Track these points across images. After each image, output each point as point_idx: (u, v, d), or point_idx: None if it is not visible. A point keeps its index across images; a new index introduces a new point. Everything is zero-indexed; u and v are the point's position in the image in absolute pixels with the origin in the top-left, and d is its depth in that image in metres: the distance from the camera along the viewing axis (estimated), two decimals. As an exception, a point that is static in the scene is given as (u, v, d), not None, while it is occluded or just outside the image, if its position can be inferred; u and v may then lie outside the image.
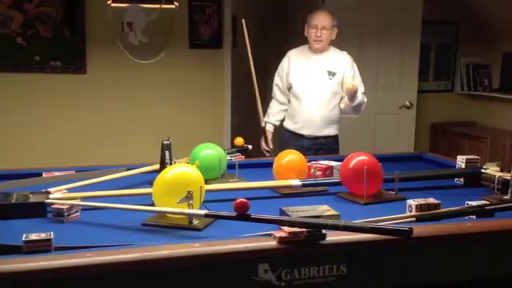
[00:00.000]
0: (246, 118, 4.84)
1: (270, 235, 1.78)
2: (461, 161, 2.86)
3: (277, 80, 3.78)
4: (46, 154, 4.28)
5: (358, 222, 1.88)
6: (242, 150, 3.22)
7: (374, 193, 2.45)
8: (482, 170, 2.71)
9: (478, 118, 5.53)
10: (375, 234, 1.79)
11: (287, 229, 1.76)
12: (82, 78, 4.42)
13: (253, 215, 1.83)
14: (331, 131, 3.69)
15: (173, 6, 4.34)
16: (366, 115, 4.84)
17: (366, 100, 3.58)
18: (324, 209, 2.12)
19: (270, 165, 2.74)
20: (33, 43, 4.29)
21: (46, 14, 4.29)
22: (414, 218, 2.05)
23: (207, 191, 2.19)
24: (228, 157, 2.89)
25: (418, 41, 4.94)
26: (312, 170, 2.71)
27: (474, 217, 2.11)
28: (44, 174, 2.67)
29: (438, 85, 5.53)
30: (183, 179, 2.09)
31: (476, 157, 2.88)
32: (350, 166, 2.48)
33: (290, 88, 3.71)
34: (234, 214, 1.84)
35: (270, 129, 3.77)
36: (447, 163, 3.08)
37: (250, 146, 3.41)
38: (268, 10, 5.76)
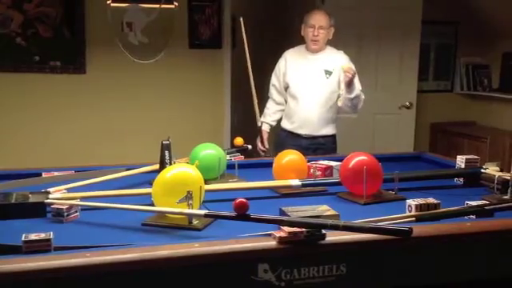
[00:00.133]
0: (245, 118, 4.83)
1: (269, 235, 1.78)
2: (460, 161, 2.86)
3: (274, 80, 3.78)
4: (45, 153, 4.28)
5: (357, 221, 1.87)
6: (242, 150, 3.22)
7: (373, 193, 2.45)
8: (482, 170, 2.71)
9: (477, 118, 5.53)
10: (375, 234, 1.79)
11: (287, 229, 1.76)
12: (82, 78, 4.42)
13: (252, 215, 1.82)
14: (329, 131, 3.69)
15: (172, 6, 4.34)
16: (366, 115, 4.86)
17: (363, 97, 3.58)
18: (324, 209, 2.12)
19: (269, 165, 2.74)
20: (32, 43, 4.29)
21: (46, 13, 4.29)
22: (413, 218, 2.05)
23: (207, 191, 2.19)
24: (228, 157, 2.89)
25: (418, 41, 4.95)
26: (312, 170, 2.71)
27: (474, 217, 2.11)
28: (43, 174, 2.67)
29: (437, 85, 5.53)
30: (183, 179, 2.09)
31: (476, 157, 2.88)
32: (350, 165, 2.48)
33: (286, 88, 3.71)
34: (233, 214, 1.84)
35: (266, 129, 3.78)
36: (447, 163, 3.08)
37: (250, 146, 3.41)
38: (267, 10, 5.76)
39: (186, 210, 1.98)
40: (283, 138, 3.72)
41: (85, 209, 2.17)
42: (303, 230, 1.76)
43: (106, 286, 1.63)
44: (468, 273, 1.95)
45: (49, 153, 4.31)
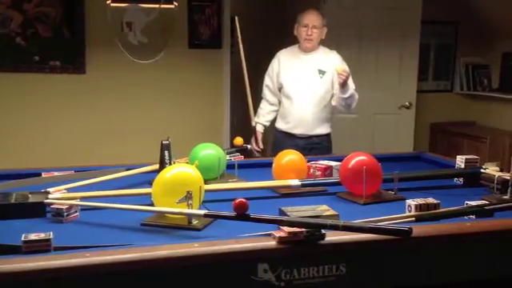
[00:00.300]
0: (245, 118, 4.83)
1: (269, 235, 1.78)
2: (460, 161, 2.86)
3: (267, 81, 3.80)
4: (45, 153, 4.28)
5: (357, 221, 1.87)
6: (242, 150, 3.22)
7: (373, 193, 2.45)
8: (482, 170, 2.71)
9: (477, 118, 5.53)
10: (374, 234, 1.79)
11: (287, 229, 1.76)
12: (82, 78, 4.42)
13: (252, 215, 1.82)
14: (323, 130, 3.70)
15: (172, 6, 4.34)
16: (366, 115, 4.87)
17: (357, 96, 3.58)
18: (323, 209, 2.12)
19: (269, 165, 2.74)
20: (32, 43, 4.29)
21: (46, 13, 4.29)
22: (413, 218, 2.05)
23: (206, 191, 2.19)
24: (227, 157, 2.89)
25: (418, 41, 4.95)
26: (311, 170, 2.71)
27: (474, 217, 2.11)
28: (43, 174, 2.67)
29: (437, 85, 5.53)
30: (182, 179, 2.09)
31: (475, 157, 2.88)
32: (350, 165, 2.48)
33: (280, 88, 3.72)
34: (233, 213, 1.84)
35: (260, 129, 3.78)
36: (447, 163, 3.08)
37: (250, 146, 3.42)
38: (267, 10, 5.76)
39: (186, 210, 1.97)
40: (280, 139, 3.73)
41: (84, 209, 2.17)
42: (303, 230, 1.75)
43: (105, 285, 1.63)
44: (468, 273, 1.95)
45: (48, 153, 4.31)
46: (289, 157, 2.68)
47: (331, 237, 1.79)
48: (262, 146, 3.72)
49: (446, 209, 2.14)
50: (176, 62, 4.54)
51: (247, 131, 3.86)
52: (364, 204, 2.37)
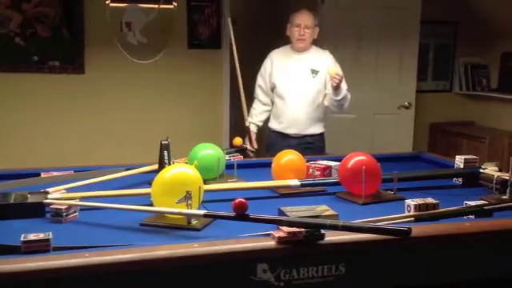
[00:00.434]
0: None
1: (268, 235, 1.78)
2: (459, 161, 2.86)
3: (259, 81, 3.81)
4: (44, 154, 4.28)
5: (356, 221, 1.88)
6: (241, 150, 3.22)
7: (372, 193, 2.45)
8: (481, 170, 2.71)
9: (476, 118, 5.53)
10: (374, 234, 1.79)
11: (286, 229, 1.76)
12: (81, 78, 4.42)
13: (251, 215, 1.82)
14: (317, 129, 3.71)
15: (171, 6, 4.34)
16: (365, 115, 4.87)
17: (349, 96, 3.59)
18: (322, 209, 2.12)
19: (268, 165, 2.74)
20: (31, 43, 4.29)
21: (45, 13, 4.28)
22: (412, 218, 2.05)
23: (206, 191, 2.19)
24: (226, 157, 2.89)
25: (417, 41, 4.94)
26: (310, 170, 2.70)
27: (473, 217, 2.11)
28: (42, 174, 2.67)
29: (436, 85, 5.53)
30: (182, 179, 2.09)
31: (474, 157, 2.88)
32: (349, 165, 2.48)
33: (273, 88, 3.74)
34: (232, 214, 1.84)
35: (253, 129, 3.79)
36: (446, 163, 3.08)
37: (256, 147, 3.42)
38: (265, 10, 5.76)
39: (185, 210, 1.97)
40: (273, 139, 3.75)
41: (84, 209, 2.17)
42: (302, 230, 1.75)
43: (105, 286, 1.63)
44: (467, 273, 1.95)
45: (48, 153, 4.30)
46: (288, 157, 2.68)
47: (330, 237, 1.79)
48: (256, 146, 3.73)
49: (445, 209, 2.14)
50: (175, 62, 4.54)
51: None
52: (363, 204, 2.37)
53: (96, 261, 1.60)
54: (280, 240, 1.74)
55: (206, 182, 2.34)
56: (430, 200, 2.16)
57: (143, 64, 4.25)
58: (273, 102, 3.77)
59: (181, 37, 4.57)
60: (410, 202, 2.14)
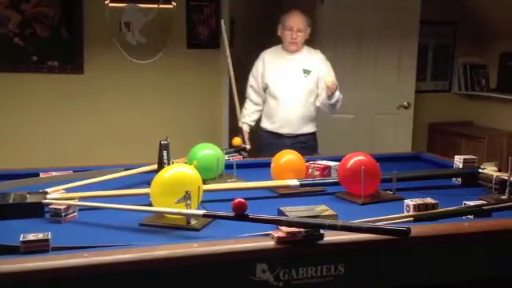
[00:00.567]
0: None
1: (268, 235, 1.78)
2: (458, 161, 2.86)
3: (251, 81, 3.82)
4: (43, 154, 4.27)
5: (355, 221, 1.88)
6: (240, 150, 3.22)
7: (371, 193, 2.45)
8: (480, 170, 2.71)
9: (475, 118, 5.53)
10: (373, 234, 1.79)
11: (285, 229, 1.76)
12: (80, 78, 4.42)
13: (251, 215, 1.82)
14: (309, 129, 3.74)
15: (170, 6, 4.34)
16: (364, 115, 4.88)
17: (341, 96, 3.60)
18: (322, 209, 2.12)
19: (267, 165, 2.73)
20: (30, 43, 4.28)
21: (44, 13, 4.28)
22: (411, 218, 2.05)
23: (205, 191, 2.19)
24: (226, 157, 2.89)
25: (416, 41, 4.95)
26: (310, 170, 2.71)
27: (472, 217, 2.11)
28: (41, 174, 2.66)
29: (435, 85, 5.54)
30: (181, 179, 2.09)
31: (473, 157, 2.88)
32: (348, 166, 2.48)
33: (265, 89, 3.75)
34: (232, 214, 1.84)
35: (246, 129, 3.80)
36: (445, 163, 3.08)
37: (248, 146, 3.42)
38: (264, 10, 5.75)
39: (185, 210, 1.97)
40: (266, 139, 3.76)
41: (83, 209, 2.17)
42: (301, 230, 1.76)
43: (104, 286, 1.63)
44: (466, 273, 1.96)
45: (47, 153, 4.30)
46: (287, 157, 2.68)
47: (330, 237, 1.79)
48: (249, 146, 3.73)
49: (444, 209, 2.14)
50: (174, 62, 4.54)
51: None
52: (362, 204, 2.37)
53: (95, 261, 1.60)
54: (279, 240, 1.74)
55: (205, 182, 2.33)
56: (429, 200, 2.16)
57: (142, 64, 4.24)
58: (264, 102, 3.78)
59: (180, 37, 4.56)
60: (409, 202, 2.14)
